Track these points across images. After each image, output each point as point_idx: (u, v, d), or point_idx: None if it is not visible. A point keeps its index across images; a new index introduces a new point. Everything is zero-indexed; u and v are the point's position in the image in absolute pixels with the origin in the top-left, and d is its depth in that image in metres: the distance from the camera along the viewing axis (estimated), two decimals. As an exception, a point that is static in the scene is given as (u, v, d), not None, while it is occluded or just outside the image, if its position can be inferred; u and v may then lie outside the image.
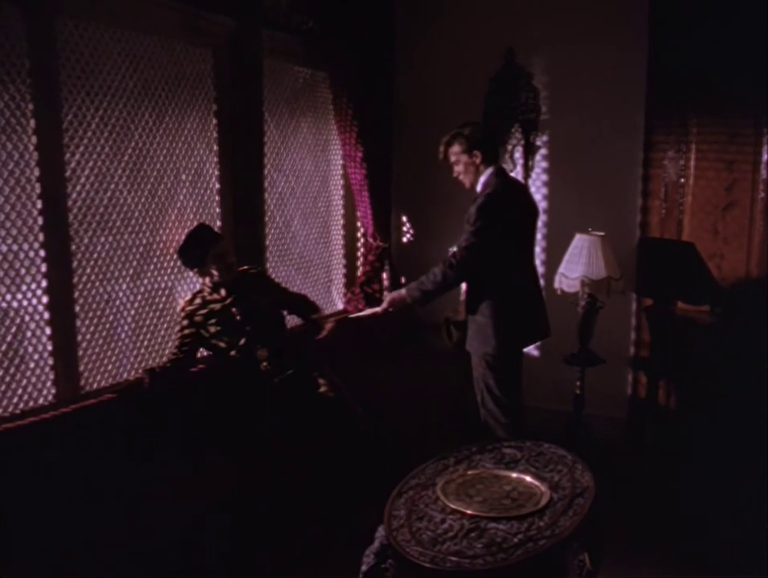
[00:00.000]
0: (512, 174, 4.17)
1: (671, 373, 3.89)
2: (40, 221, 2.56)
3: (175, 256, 3.10)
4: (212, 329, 2.94)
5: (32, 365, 2.58)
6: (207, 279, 2.97)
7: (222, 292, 2.98)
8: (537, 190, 4.15)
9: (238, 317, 2.96)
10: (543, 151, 4.10)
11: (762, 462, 3.31)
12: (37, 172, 2.53)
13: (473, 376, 3.16)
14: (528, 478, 2.38)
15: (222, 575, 2.46)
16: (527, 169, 4.15)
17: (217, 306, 2.97)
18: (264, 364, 2.95)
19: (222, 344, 2.95)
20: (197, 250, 2.91)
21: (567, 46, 3.92)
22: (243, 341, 2.92)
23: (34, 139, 2.51)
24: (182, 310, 2.99)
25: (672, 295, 3.85)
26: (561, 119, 3.99)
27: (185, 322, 2.96)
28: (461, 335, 3.16)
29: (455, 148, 3.07)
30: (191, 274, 3.24)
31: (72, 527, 2.22)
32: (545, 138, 4.08)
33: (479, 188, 3.08)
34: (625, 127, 3.82)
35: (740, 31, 3.48)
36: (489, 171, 3.04)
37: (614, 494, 3.08)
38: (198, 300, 3.00)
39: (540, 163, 4.13)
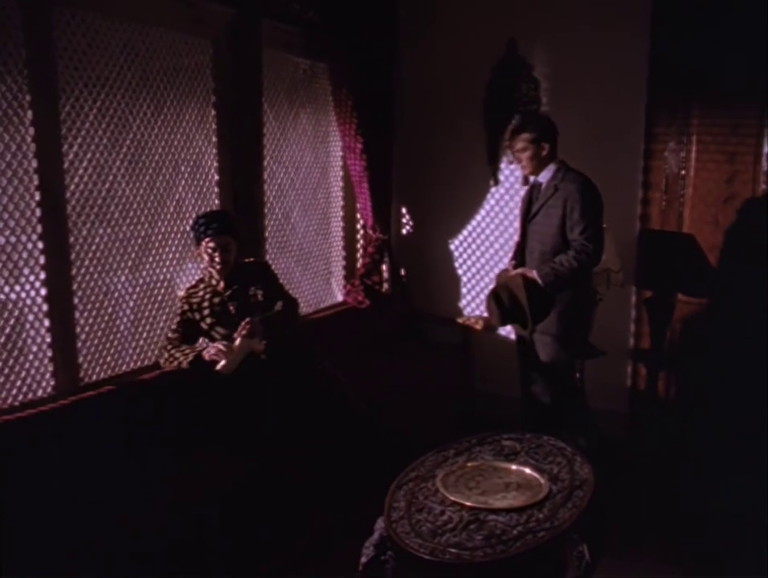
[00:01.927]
0: (512, 165, 4.18)
1: (670, 365, 3.89)
2: (38, 212, 2.55)
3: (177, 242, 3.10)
4: (208, 319, 2.95)
5: (31, 357, 2.58)
6: (209, 268, 2.95)
7: (221, 284, 2.97)
8: (538, 182, 4.14)
9: (233, 311, 2.95)
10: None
11: (762, 454, 3.30)
12: (35, 163, 2.52)
13: (540, 356, 3.24)
14: (527, 470, 2.38)
15: (223, 569, 2.46)
16: (527, 161, 4.13)
17: (215, 298, 2.97)
18: (262, 356, 2.94)
19: (217, 336, 2.95)
20: (200, 227, 2.88)
21: (568, 37, 3.90)
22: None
23: (31, 130, 2.50)
24: (183, 296, 2.99)
25: (672, 287, 3.84)
26: (561, 110, 3.96)
27: (184, 307, 2.96)
28: (512, 303, 3.14)
29: (526, 136, 3.16)
30: (190, 265, 3.24)
31: (70, 520, 2.22)
32: (545, 129, 4.06)
33: (542, 179, 3.20)
34: (626, 118, 3.80)
35: (743, 22, 3.45)
36: (555, 164, 3.19)
37: (615, 487, 3.08)
38: (200, 288, 3.00)
39: (540, 154, 4.11)
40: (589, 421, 3.40)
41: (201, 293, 2.98)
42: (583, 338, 3.37)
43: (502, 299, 3.17)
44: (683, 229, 3.77)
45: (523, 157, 3.19)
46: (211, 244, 2.87)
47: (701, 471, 3.47)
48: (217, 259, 2.88)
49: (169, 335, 2.96)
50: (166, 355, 2.89)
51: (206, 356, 2.79)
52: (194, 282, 3.04)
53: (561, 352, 3.21)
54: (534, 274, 3.12)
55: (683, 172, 3.73)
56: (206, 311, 2.95)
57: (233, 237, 2.94)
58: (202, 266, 2.99)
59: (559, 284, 3.08)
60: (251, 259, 3.14)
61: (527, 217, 3.28)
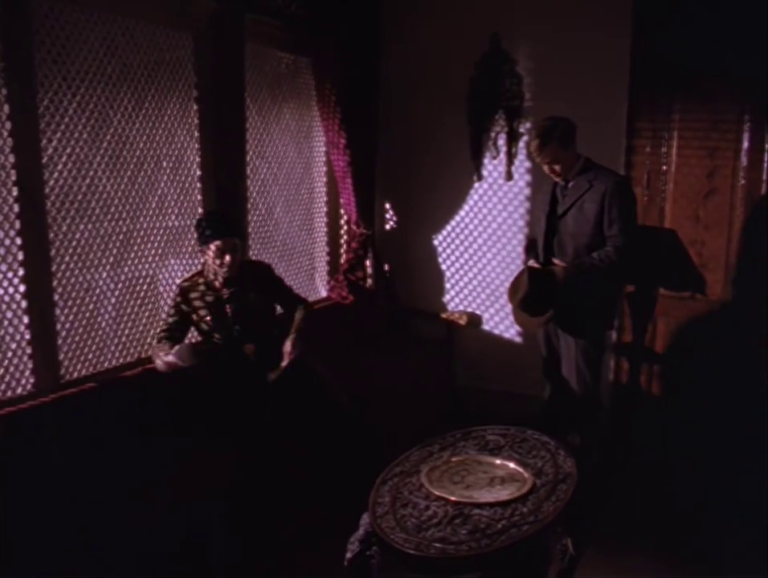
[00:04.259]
0: (495, 161, 4.20)
1: (652, 359, 3.93)
2: (16, 208, 2.51)
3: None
4: (202, 315, 2.94)
5: (9, 354, 2.54)
6: (215, 268, 2.91)
7: (219, 284, 2.95)
8: (521, 177, 4.15)
9: (228, 313, 2.95)
10: (527, 138, 4.09)
11: (753, 449, 3.34)
12: (12, 158, 2.48)
13: (575, 357, 3.16)
14: (511, 465, 2.39)
15: (211, 565, 2.45)
16: (510, 156, 4.14)
17: (212, 296, 2.95)
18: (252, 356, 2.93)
19: (205, 327, 2.95)
20: (207, 229, 2.86)
21: (551, 33, 3.91)
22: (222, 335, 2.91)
23: (8, 125, 2.45)
24: (180, 286, 2.97)
25: (654, 282, 3.87)
26: (544, 105, 3.97)
27: (178, 298, 2.95)
28: (545, 283, 3.03)
29: (555, 145, 3.05)
30: (173, 261, 3.21)
31: (51, 520, 2.20)
32: (528, 125, 4.07)
33: (570, 176, 3.14)
34: (608, 114, 3.82)
35: (725, 16, 3.48)
36: (582, 159, 3.15)
37: (606, 484, 3.10)
38: (199, 282, 2.97)
39: (523, 150, 4.12)
40: (598, 419, 3.36)
41: (201, 287, 2.96)
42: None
43: (537, 276, 3.07)
44: (664, 224, 3.80)
45: (557, 168, 3.10)
46: (221, 247, 2.85)
47: (689, 466, 3.50)
48: (227, 261, 2.86)
49: (162, 326, 2.97)
50: (152, 352, 2.90)
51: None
52: (192, 274, 3.02)
53: (589, 350, 3.17)
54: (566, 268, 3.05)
55: (664, 167, 3.76)
56: (203, 312, 2.95)
57: (239, 237, 2.94)
58: (205, 263, 2.97)
59: (587, 279, 3.01)
60: (254, 260, 3.13)
61: (554, 214, 3.19)
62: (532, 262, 3.26)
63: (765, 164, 3.51)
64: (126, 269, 3.00)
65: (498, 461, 2.43)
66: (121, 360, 3.00)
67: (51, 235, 2.65)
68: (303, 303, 3.20)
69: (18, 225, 2.52)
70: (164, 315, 3.01)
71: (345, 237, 4.37)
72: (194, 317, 2.95)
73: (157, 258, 3.14)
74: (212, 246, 2.86)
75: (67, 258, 2.73)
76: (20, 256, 2.54)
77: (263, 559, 2.63)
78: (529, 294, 3.06)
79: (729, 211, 3.63)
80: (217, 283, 2.96)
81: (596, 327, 3.23)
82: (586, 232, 3.09)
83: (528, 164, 4.13)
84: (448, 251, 4.45)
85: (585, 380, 3.19)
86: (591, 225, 3.08)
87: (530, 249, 3.49)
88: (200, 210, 3.31)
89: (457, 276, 4.45)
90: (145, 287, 3.10)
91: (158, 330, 2.98)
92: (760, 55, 3.39)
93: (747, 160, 3.55)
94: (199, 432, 2.77)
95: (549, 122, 3.08)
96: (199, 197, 3.32)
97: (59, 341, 2.72)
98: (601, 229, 3.07)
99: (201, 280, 2.98)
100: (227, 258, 2.86)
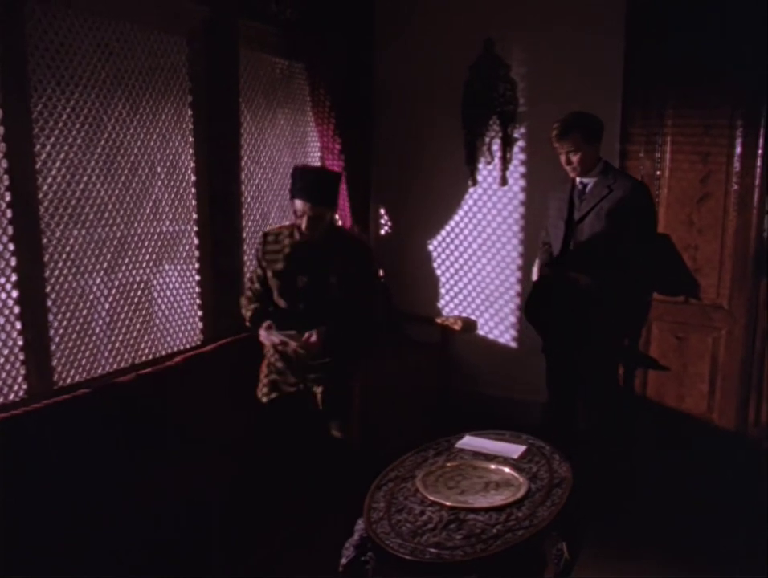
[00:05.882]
0: (490, 166, 4.21)
1: (647, 363, 3.93)
2: (9, 213, 2.50)
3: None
4: (275, 268, 2.77)
5: (2, 360, 2.53)
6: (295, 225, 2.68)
7: (298, 236, 2.67)
8: (515, 182, 4.16)
9: (300, 285, 2.72)
10: (521, 143, 4.11)
11: (739, 447, 3.35)
12: (5, 163, 2.47)
13: (595, 363, 3.14)
14: (506, 469, 2.39)
15: (207, 568, 2.44)
16: (505, 162, 4.15)
17: (287, 251, 2.71)
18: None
19: (279, 300, 2.79)
20: (297, 184, 2.60)
21: (545, 38, 3.93)
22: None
23: (0, 129, 2.45)
24: (265, 236, 2.81)
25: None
26: (538, 110, 4.00)
27: (258, 247, 2.82)
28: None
29: (577, 137, 3.02)
30: (167, 267, 3.21)
31: (44, 526, 2.18)
32: (522, 130, 4.09)
33: (587, 180, 3.11)
34: (602, 118, 3.81)
35: (716, 24, 3.50)
36: (602, 162, 3.11)
37: (604, 487, 3.10)
38: (285, 235, 2.75)
39: (517, 155, 4.14)
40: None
41: (285, 241, 2.74)
42: (629, 346, 3.31)
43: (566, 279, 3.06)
44: (658, 228, 3.81)
45: (574, 159, 3.04)
46: (301, 208, 2.59)
47: (687, 468, 3.51)
48: (303, 225, 2.61)
49: (248, 286, 2.91)
50: (249, 314, 2.84)
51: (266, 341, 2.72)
52: (279, 226, 2.86)
53: (603, 359, 3.16)
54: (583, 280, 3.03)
55: (658, 172, 3.78)
56: (276, 265, 2.75)
57: (330, 207, 2.66)
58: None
59: (600, 291, 2.99)
60: (357, 237, 2.90)
61: (571, 219, 3.15)
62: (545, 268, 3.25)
63: (758, 169, 3.53)
64: (120, 274, 2.99)
65: (493, 466, 2.42)
66: (115, 366, 2.98)
67: (45, 241, 2.64)
68: (372, 314, 2.81)
69: (10, 230, 2.51)
70: (249, 275, 2.88)
71: (339, 242, 4.37)
72: (268, 272, 2.77)
73: (151, 263, 3.14)
74: (296, 203, 2.61)
75: (60, 264, 2.72)
76: (13, 262, 2.52)
77: (257, 564, 2.62)
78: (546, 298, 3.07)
79: (723, 216, 3.65)
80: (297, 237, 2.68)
81: (619, 334, 3.21)
82: (605, 237, 3.04)
83: (522, 169, 4.14)
84: (443, 256, 4.46)
85: (604, 387, 3.18)
86: (610, 231, 3.02)
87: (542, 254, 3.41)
88: (194, 216, 3.31)
89: (452, 281, 4.46)
90: (139, 293, 3.09)
91: (245, 297, 2.89)
92: (752, 60, 3.42)
93: (740, 165, 3.57)
94: (193, 436, 2.76)
95: (577, 113, 3.08)
96: (194, 202, 3.31)
97: (53, 347, 2.70)
98: (619, 235, 3.02)
99: (286, 232, 2.75)
100: (304, 222, 2.60)
